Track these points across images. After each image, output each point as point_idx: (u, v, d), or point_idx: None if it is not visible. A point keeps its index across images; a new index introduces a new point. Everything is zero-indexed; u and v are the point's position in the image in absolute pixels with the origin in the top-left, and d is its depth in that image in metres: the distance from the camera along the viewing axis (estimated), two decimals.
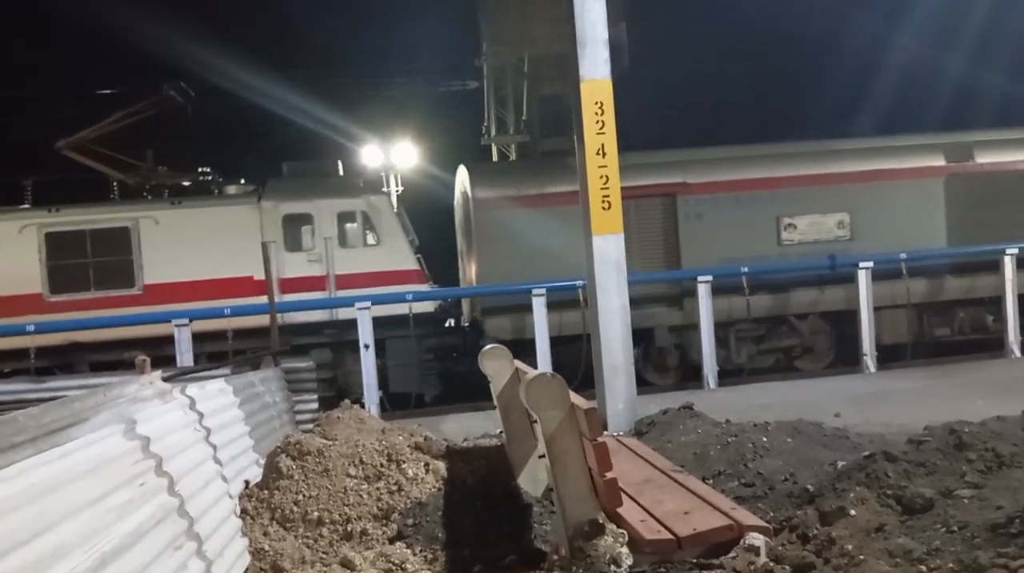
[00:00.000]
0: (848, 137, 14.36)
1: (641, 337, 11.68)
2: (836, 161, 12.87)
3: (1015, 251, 11.89)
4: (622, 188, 11.31)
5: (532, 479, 5.48)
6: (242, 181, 13.61)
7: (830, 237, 12.63)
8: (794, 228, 12.67)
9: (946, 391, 9.39)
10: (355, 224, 12.63)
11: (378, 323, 11.03)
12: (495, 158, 21.01)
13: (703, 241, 12.29)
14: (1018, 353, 11.91)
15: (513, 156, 20.71)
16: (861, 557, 3.94)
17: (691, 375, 12.32)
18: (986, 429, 5.31)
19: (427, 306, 12.24)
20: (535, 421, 4.43)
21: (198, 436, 4.43)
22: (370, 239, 12.62)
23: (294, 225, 12.53)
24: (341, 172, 14.27)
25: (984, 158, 13.07)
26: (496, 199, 12.39)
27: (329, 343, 12.12)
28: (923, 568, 3.78)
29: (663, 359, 12.69)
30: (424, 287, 12.40)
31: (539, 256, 11.60)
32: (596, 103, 8.15)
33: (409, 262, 12.59)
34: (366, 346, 10.74)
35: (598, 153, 8.18)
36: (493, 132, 21.22)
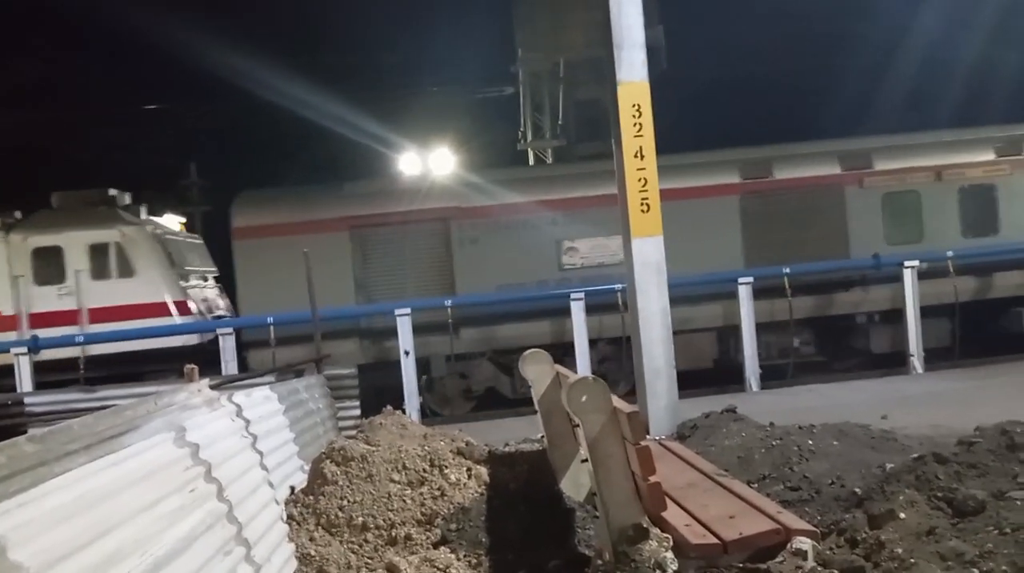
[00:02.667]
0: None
1: (423, 368, 11.57)
2: (615, 182, 12.17)
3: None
4: (395, 214, 11.49)
5: (575, 484, 5.47)
6: (17, 213, 12.99)
7: (615, 260, 11.57)
8: (576, 252, 12.22)
9: (995, 391, 9.19)
10: (108, 256, 12.20)
11: (139, 358, 10.88)
12: (531, 162, 21.04)
13: (479, 267, 11.86)
14: None
15: (550, 160, 20.71)
16: (912, 561, 3.88)
17: (481, 404, 12.05)
18: None
19: (190, 339, 11.73)
20: (577, 425, 4.42)
21: (245, 443, 4.50)
22: (124, 271, 12.16)
23: (44, 258, 12.16)
24: (126, 201, 13.46)
25: (782, 173, 12.60)
26: (258, 227, 11.89)
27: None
28: (975, 571, 3.71)
29: (443, 389, 12.19)
30: (188, 320, 11.96)
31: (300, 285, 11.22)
32: (634, 106, 8.14)
33: (169, 294, 12.12)
34: (406, 353, 10.83)
35: (636, 156, 8.17)
36: (529, 137, 21.25)
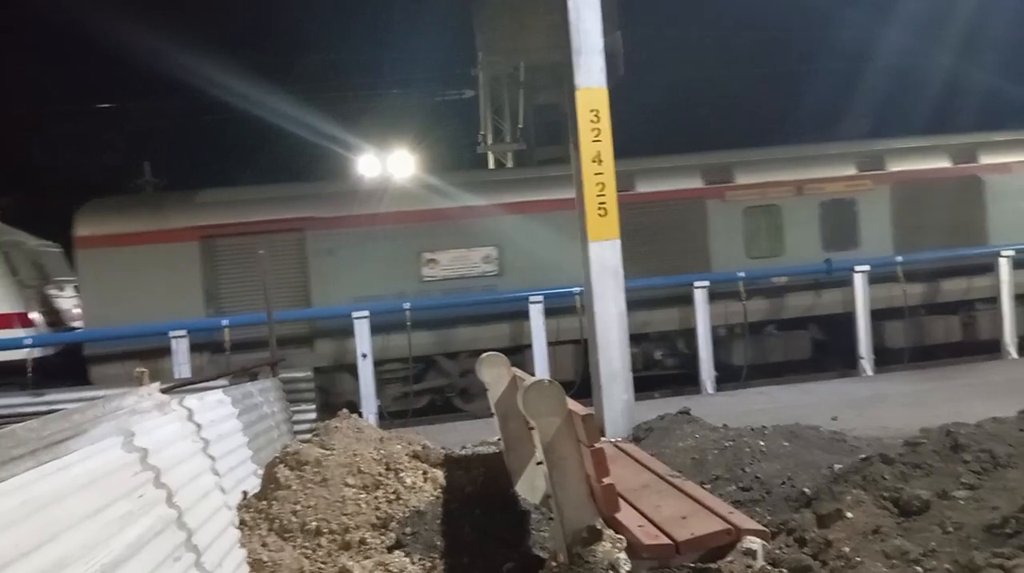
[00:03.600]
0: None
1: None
2: (482, 193, 12.25)
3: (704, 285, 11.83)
4: (248, 223, 11.35)
5: (530, 486, 5.49)
6: None
7: (476, 272, 12.00)
8: (436, 263, 12.04)
9: (943, 393, 9.42)
10: None
11: None
12: (491, 166, 21.06)
13: (335, 278, 11.58)
14: (1015, 354, 11.95)
15: (510, 164, 20.76)
16: (858, 559, 3.96)
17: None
18: (982, 431, 5.33)
19: (33, 352, 11.03)
20: (532, 428, 4.45)
21: (196, 447, 4.45)
22: None
23: None
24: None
25: (645, 187, 12.54)
26: (103, 237, 11.46)
27: None
28: (919, 569, 3.80)
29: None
30: (32, 332, 11.45)
31: (147, 297, 11.03)
32: (592, 111, 8.20)
33: (6, 305, 11.51)
34: (363, 355, 10.78)
35: (594, 160, 8.23)
36: (489, 141, 21.27)
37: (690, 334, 11.93)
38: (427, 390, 12.03)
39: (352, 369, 11.23)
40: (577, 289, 10.77)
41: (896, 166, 13.12)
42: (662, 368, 12.43)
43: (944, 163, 13.28)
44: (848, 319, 12.26)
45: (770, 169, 12.95)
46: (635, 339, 11.35)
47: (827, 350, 12.81)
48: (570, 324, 11.60)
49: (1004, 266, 12.02)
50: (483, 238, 12.03)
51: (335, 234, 11.72)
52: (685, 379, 12.23)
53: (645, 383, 11.37)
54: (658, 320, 12.11)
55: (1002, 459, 4.82)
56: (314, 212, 11.85)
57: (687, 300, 11.75)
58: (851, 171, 13.05)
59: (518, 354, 11.61)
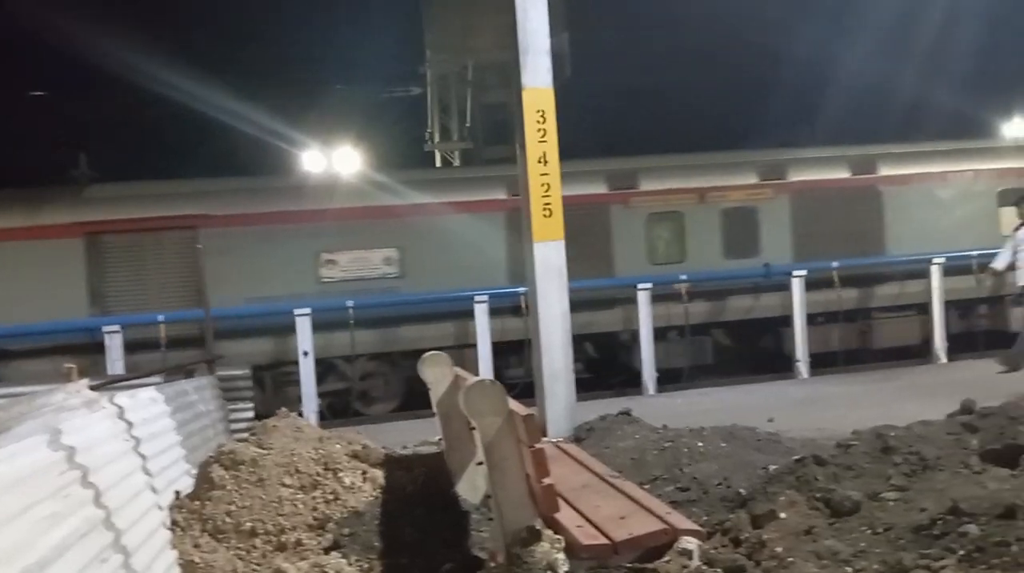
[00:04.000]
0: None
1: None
2: (383, 194, 12.11)
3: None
4: (138, 220, 11.18)
5: (471, 486, 5.48)
6: None
7: (376, 274, 11.88)
8: (335, 265, 11.84)
9: (876, 396, 9.67)
10: None
11: None
12: (439, 164, 20.98)
13: (229, 278, 11.07)
14: (944, 359, 12.33)
15: (457, 163, 20.71)
16: (790, 559, 4.03)
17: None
18: (911, 433, 5.48)
19: None
20: (474, 428, 4.43)
21: (127, 446, 4.33)
22: None
23: None
24: None
25: None
26: None
27: None
28: (849, 569, 3.88)
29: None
30: None
31: (25, 295, 10.63)
32: (538, 111, 8.22)
33: None
34: (305, 353, 10.63)
35: (540, 161, 8.25)
36: (436, 139, 21.19)
37: (596, 338, 12.02)
38: (326, 394, 11.66)
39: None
40: (522, 289, 10.77)
41: (797, 176, 13.40)
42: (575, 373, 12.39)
43: (844, 174, 13.57)
44: (753, 324, 12.66)
45: (674, 176, 13.06)
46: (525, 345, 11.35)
47: (734, 355, 12.99)
48: (393, 335, 11.63)
49: (935, 273, 12.38)
50: (384, 239, 11.87)
51: (229, 232, 11.36)
52: (602, 383, 12.33)
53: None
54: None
55: (930, 461, 4.96)
56: (208, 209, 11.50)
57: (595, 305, 11.78)
58: (753, 180, 13.24)
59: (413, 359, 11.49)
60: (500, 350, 11.67)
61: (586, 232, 12.27)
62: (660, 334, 12.46)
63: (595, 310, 11.99)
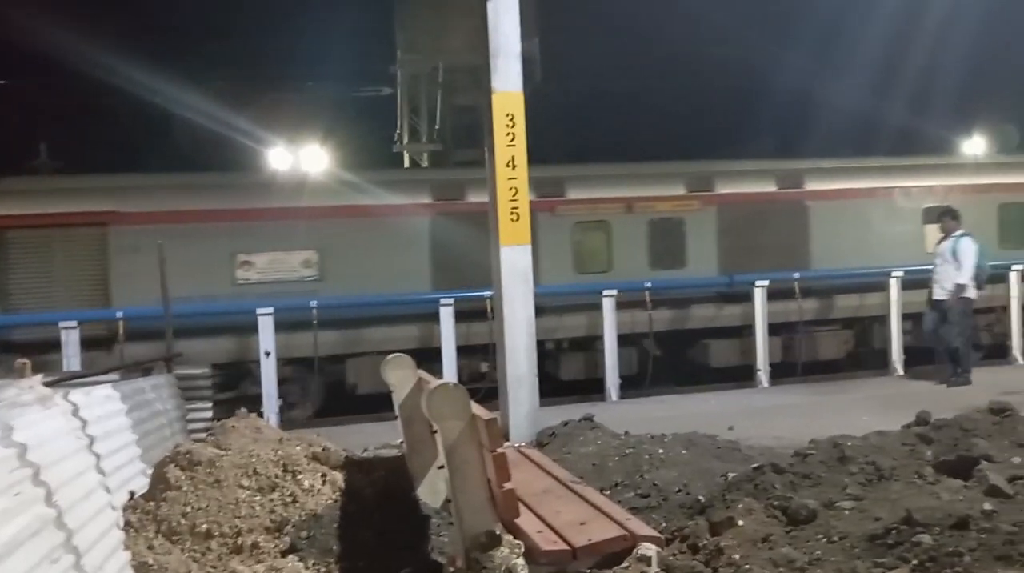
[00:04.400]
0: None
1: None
2: (302, 195, 11.82)
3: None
4: (44, 215, 10.84)
5: (432, 490, 5.45)
6: None
7: (295, 277, 11.54)
8: (251, 266, 11.48)
9: (834, 406, 9.79)
10: None
11: None
12: (407, 166, 20.91)
13: (141, 278, 10.47)
14: (901, 371, 12.53)
15: (426, 164, 20.65)
16: (747, 566, 4.06)
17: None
18: (868, 443, 5.57)
19: None
20: (436, 431, 4.41)
21: (80, 444, 4.25)
22: None
23: None
24: None
25: (475, 197, 11.84)
26: None
27: None
28: None
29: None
30: None
31: None
32: (507, 115, 8.22)
33: None
34: (267, 353, 10.51)
35: (508, 165, 8.25)
36: (406, 140, 21.11)
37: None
38: (239, 398, 11.13)
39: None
40: (488, 292, 10.73)
41: (724, 188, 13.37)
42: (490, 381, 11.84)
43: (771, 187, 13.54)
44: (672, 336, 12.68)
45: (601, 185, 12.95)
46: (463, 351, 11.35)
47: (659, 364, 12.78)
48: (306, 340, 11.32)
49: (894, 286, 12.57)
50: (303, 241, 11.58)
51: (142, 231, 10.89)
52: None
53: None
54: (484, 331, 11.52)
55: (886, 471, 5.04)
56: (120, 206, 11.10)
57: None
58: (680, 191, 13.18)
59: (339, 363, 11.57)
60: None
61: None
62: (589, 343, 12.41)
63: None
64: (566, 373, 12.47)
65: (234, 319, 10.92)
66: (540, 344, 11.73)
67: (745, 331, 12.68)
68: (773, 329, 12.58)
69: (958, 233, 11.10)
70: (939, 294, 11.08)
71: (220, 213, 11.45)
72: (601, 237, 12.91)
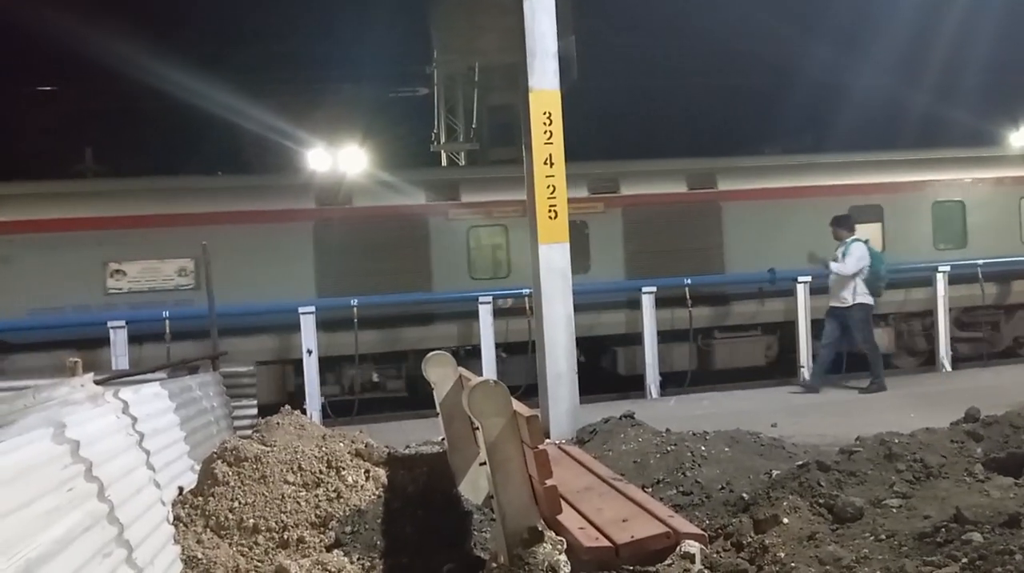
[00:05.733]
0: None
1: None
2: (177, 201, 11.50)
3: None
4: None
5: (473, 487, 5.48)
6: None
7: (170, 286, 11.22)
8: (124, 275, 11.18)
9: (878, 403, 9.64)
10: None
11: None
12: (444, 164, 21.01)
13: (11, 288, 10.51)
14: (948, 368, 12.30)
15: (463, 163, 20.73)
16: (792, 565, 4.02)
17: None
18: (915, 440, 5.47)
19: None
20: (477, 428, 4.43)
21: (131, 441, 4.33)
22: None
23: None
24: None
25: (362, 202, 11.91)
26: None
27: None
28: None
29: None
30: None
31: None
32: (544, 114, 8.23)
33: None
34: (309, 351, 10.63)
35: (546, 163, 8.26)
36: (443, 139, 21.22)
37: (418, 355, 11.01)
38: None
39: None
40: (527, 290, 10.72)
41: (630, 189, 12.74)
42: (383, 391, 11.88)
43: (681, 188, 12.89)
44: (591, 341, 11.87)
45: (497, 188, 12.34)
46: (353, 359, 11.13)
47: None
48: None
49: (940, 281, 12.34)
50: (179, 249, 11.19)
51: (10, 240, 10.78)
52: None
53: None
54: (373, 341, 11.44)
55: (934, 469, 4.96)
56: None
57: (414, 320, 11.42)
58: (582, 193, 12.38)
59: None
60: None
61: (403, 244, 11.87)
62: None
63: (414, 325, 11.57)
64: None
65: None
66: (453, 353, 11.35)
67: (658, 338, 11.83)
68: (685, 335, 12.19)
69: (850, 239, 10.68)
70: (834, 302, 10.71)
71: (90, 221, 11.13)
72: (498, 242, 12.45)
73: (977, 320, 13.66)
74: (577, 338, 11.42)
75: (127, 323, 10.35)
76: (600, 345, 12.50)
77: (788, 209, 13.02)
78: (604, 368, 12.75)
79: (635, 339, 11.93)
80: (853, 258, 10.55)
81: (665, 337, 12.02)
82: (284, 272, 11.46)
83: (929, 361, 12.94)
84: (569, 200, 12.23)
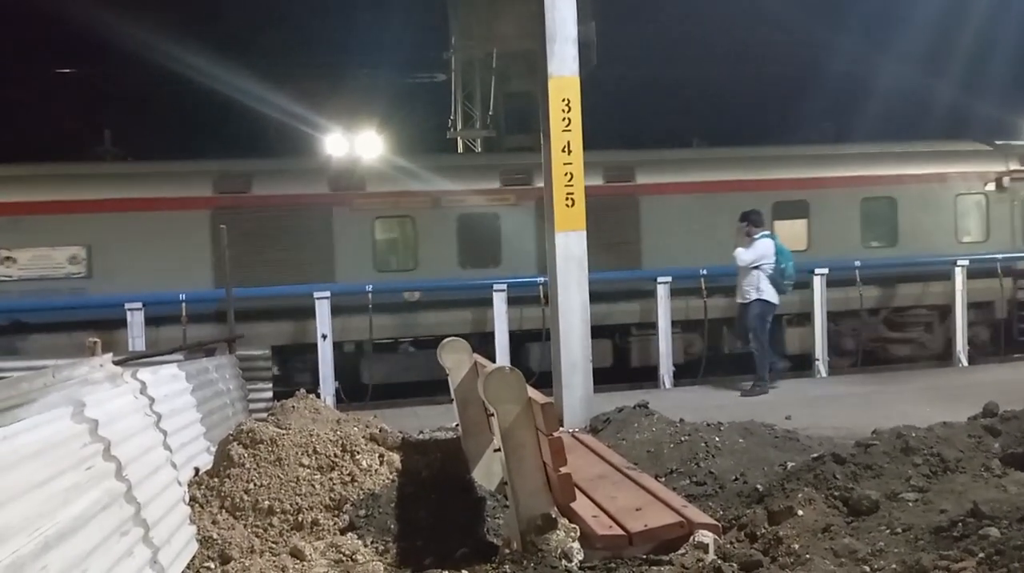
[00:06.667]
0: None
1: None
2: (70, 187, 11.21)
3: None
4: None
5: (487, 473, 5.49)
6: None
7: (61, 274, 11.00)
8: (13, 262, 10.97)
9: (894, 397, 9.58)
10: None
11: None
12: (460, 151, 20.99)
13: None
14: (965, 362, 12.20)
15: (479, 150, 20.70)
16: (807, 556, 4.01)
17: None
18: (932, 434, 5.43)
19: None
20: (492, 414, 4.44)
21: (148, 421, 4.36)
22: None
23: None
24: None
25: (263, 190, 11.66)
26: None
27: None
28: (867, 568, 3.86)
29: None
30: None
31: None
32: (563, 100, 8.18)
33: None
34: (323, 336, 10.66)
35: (564, 150, 8.22)
36: (459, 126, 21.19)
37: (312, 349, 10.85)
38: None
39: None
40: (541, 279, 10.68)
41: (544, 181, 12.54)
42: (287, 384, 11.36)
43: (598, 181, 12.16)
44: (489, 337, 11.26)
45: (405, 179, 12.13)
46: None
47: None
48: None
49: (959, 274, 12.22)
50: (71, 236, 11.04)
51: None
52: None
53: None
54: (270, 333, 11.06)
55: (951, 463, 4.93)
56: None
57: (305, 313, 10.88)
58: (494, 184, 12.30)
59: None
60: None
61: (305, 234, 11.61)
62: (395, 346, 11.94)
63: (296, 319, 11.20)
64: (368, 377, 11.67)
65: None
66: (338, 346, 11.00)
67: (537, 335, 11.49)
68: (606, 331, 11.87)
69: (758, 235, 10.31)
70: (739, 298, 10.41)
71: None
72: (405, 233, 12.26)
73: (909, 321, 13.34)
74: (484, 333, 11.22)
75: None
76: (515, 341, 11.72)
77: (709, 204, 12.61)
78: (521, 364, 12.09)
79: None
80: (754, 250, 10.18)
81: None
82: (179, 263, 11.20)
83: (867, 361, 12.72)
84: (478, 191, 12.18)
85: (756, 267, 10.18)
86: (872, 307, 13.13)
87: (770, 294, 10.20)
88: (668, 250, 12.43)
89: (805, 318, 12.14)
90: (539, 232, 11.79)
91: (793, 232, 12.63)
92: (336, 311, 10.77)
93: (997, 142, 14.50)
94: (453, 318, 11.59)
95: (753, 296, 10.21)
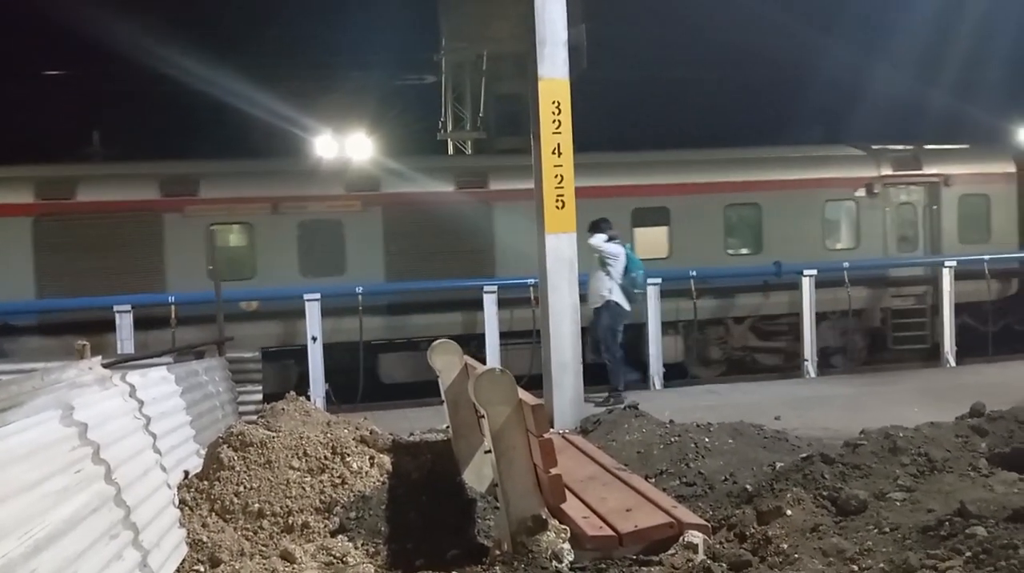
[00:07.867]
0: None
1: None
2: None
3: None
4: None
5: (478, 474, 5.50)
6: None
7: None
8: None
9: (883, 398, 9.63)
10: None
11: None
12: (451, 153, 20.98)
13: None
14: (953, 363, 12.28)
15: (469, 152, 20.69)
16: (796, 556, 4.03)
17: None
18: (920, 434, 5.48)
19: None
20: (482, 416, 4.45)
21: (138, 424, 4.36)
22: None
23: None
24: None
25: (88, 195, 11.23)
26: None
27: None
28: (855, 568, 3.88)
29: None
30: None
31: None
32: (553, 103, 8.20)
33: None
34: (313, 338, 10.64)
35: (554, 152, 8.23)
36: (449, 128, 21.17)
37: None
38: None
39: None
40: (531, 279, 10.64)
41: (391, 187, 12.13)
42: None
43: (449, 187, 12.27)
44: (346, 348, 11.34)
45: (241, 183, 11.83)
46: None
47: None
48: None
49: (947, 276, 12.30)
50: None
51: None
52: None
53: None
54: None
55: (938, 463, 4.96)
56: None
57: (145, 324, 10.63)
58: (338, 190, 12.01)
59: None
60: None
61: (132, 242, 11.24)
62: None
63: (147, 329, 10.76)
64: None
65: None
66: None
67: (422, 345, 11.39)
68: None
69: (609, 239, 10.18)
70: (592, 303, 10.15)
71: None
72: (243, 241, 11.90)
73: (777, 329, 13.22)
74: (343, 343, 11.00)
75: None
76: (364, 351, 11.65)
77: None
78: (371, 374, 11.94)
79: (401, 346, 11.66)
80: (607, 247, 10.06)
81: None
82: (3, 270, 10.82)
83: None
84: (320, 197, 11.86)
85: (606, 272, 10.07)
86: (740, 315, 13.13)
87: (619, 297, 10.09)
88: (521, 256, 11.24)
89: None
90: (387, 239, 11.94)
91: (653, 239, 12.49)
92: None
93: (873, 147, 14.27)
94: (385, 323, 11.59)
95: (605, 297, 10.05)
